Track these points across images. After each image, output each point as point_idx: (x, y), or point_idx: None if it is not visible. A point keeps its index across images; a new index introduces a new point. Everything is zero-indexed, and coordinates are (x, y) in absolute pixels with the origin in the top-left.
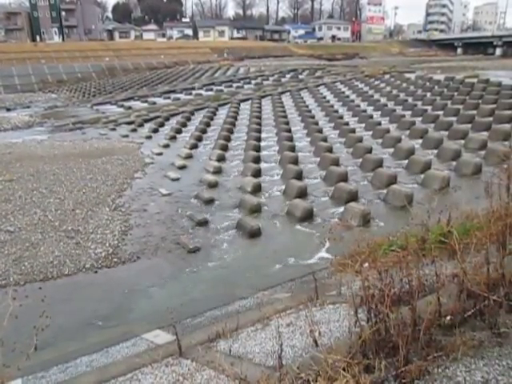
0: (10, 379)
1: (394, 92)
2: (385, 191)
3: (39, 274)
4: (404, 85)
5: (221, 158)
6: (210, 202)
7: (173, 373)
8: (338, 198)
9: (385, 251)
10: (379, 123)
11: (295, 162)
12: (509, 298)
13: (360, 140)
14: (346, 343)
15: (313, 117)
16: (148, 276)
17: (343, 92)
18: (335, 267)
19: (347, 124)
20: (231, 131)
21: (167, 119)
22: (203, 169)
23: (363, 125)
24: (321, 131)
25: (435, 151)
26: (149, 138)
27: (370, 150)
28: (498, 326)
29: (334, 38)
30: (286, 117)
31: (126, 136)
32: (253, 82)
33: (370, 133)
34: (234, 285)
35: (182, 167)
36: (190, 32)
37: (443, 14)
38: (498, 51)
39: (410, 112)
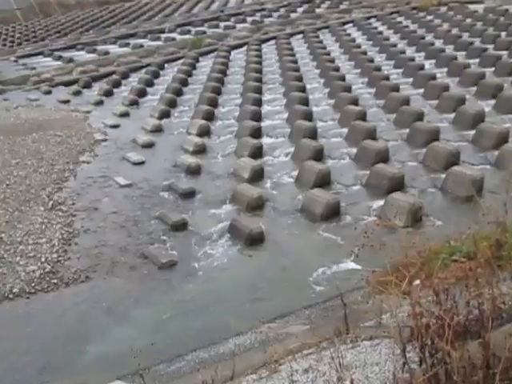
0: None
1: (454, 32)
2: (443, 175)
3: None
4: (468, 21)
5: (204, 132)
6: (189, 195)
7: None
8: (376, 187)
9: (444, 262)
10: (433, 77)
11: (313, 134)
12: None
13: (406, 102)
14: None
15: (337, 69)
16: (103, 303)
17: (380, 32)
18: (373, 286)
19: (387, 79)
20: (219, 92)
21: (125, 76)
22: (179, 147)
23: (410, 79)
24: (349, 90)
25: None
26: (99, 103)
27: (420, 116)
28: None
29: None
30: (297, 70)
31: (67, 101)
32: (249, 19)
33: (421, 91)
34: (226, 314)
35: (149, 145)
36: None
37: None
38: None
39: (476, 60)
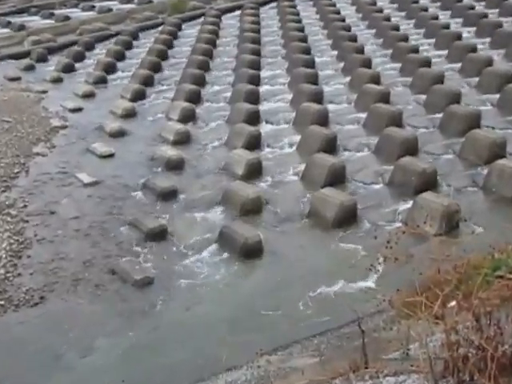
0: None
1: None
2: (485, 171)
3: None
4: None
5: (188, 117)
6: (169, 195)
7: None
8: (402, 185)
9: (486, 279)
10: (473, 49)
11: (323, 120)
12: None
13: (440, 79)
14: None
15: (354, 39)
16: (62, 330)
17: None
18: (398, 309)
19: (416, 51)
20: (206, 67)
21: (90, 47)
22: (156, 136)
23: (444, 52)
24: (368, 64)
25: None
26: (57, 81)
27: (457, 98)
28: None
29: None
30: (305, 40)
31: (17, 79)
32: None
33: (457, 66)
34: (215, 344)
35: (119, 134)
36: None
37: None
38: None
39: None
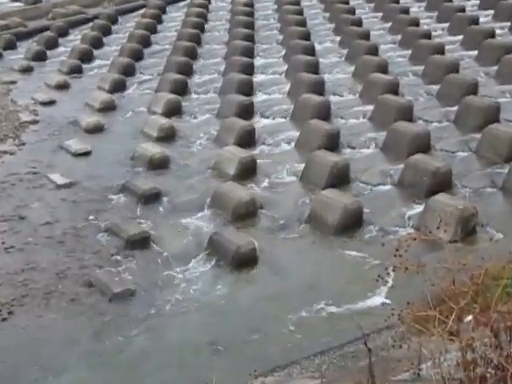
0: None
1: None
2: (505, 170)
3: None
4: None
5: (173, 110)
6: (152, 198)
7: None
8: (413, 186)
9: (506, 290)
10: (491, 34)
11: (324, 114)
12: None
13: (454, 68)
14: None
15: (358, 23)
16: (32, 350)
17: None
18: (408, 325)
19: (428, 36)
20: (193, 55)
21: (63, 33)
22: (138, 131)
23: (459, 37)
24: (375, 51)
25: None
26: (27, 71)
27: (473, 89)
28: None
29: None
30: (303, 23)
31: None
32: None
33: (474, 53)
34: (203, 365)
35: (96, 129)
36: None
37: None
38: None
39: None
